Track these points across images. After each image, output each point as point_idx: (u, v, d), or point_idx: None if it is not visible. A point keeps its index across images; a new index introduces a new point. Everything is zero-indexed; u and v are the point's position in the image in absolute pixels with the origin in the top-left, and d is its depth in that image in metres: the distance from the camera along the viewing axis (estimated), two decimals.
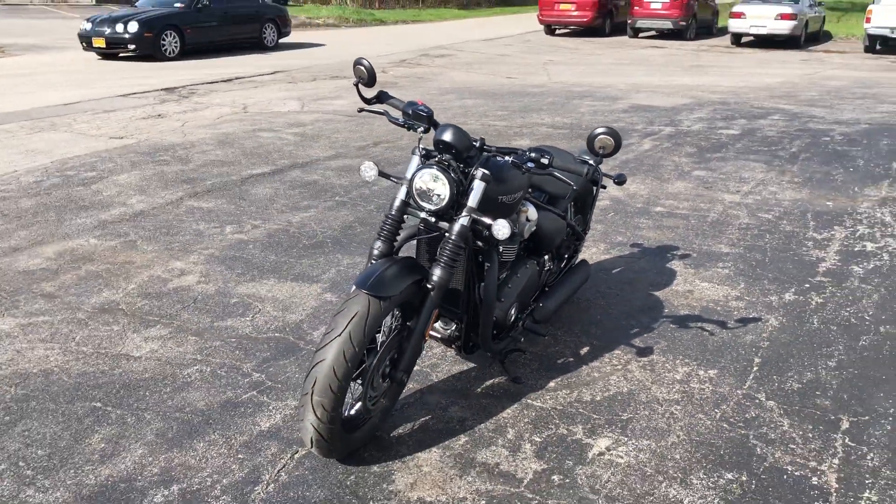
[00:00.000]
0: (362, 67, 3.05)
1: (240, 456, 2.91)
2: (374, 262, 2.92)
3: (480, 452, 2.95)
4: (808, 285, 4.48)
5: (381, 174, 2.99)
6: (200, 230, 5.44)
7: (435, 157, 2.90)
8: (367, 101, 3.15)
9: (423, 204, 2.84)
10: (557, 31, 24.06)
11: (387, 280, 2.70)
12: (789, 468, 2.84)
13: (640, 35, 22.92)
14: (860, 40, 20.50)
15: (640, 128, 9.25)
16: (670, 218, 5.78)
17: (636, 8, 21.94)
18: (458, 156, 2.84)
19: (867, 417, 3.17)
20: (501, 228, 2.78)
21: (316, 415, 2.62)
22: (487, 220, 2.81)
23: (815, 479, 2.79)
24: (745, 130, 9.17)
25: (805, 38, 20.71)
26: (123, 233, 5.38)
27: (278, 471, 2.82)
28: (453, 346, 3.28)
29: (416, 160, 2.96)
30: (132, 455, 2.89)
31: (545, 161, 2.87)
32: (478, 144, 2.90)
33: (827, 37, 23.04)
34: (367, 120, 9.48)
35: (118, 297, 4.31)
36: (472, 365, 3.58)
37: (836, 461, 2.88)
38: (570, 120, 9.69)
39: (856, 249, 5.08)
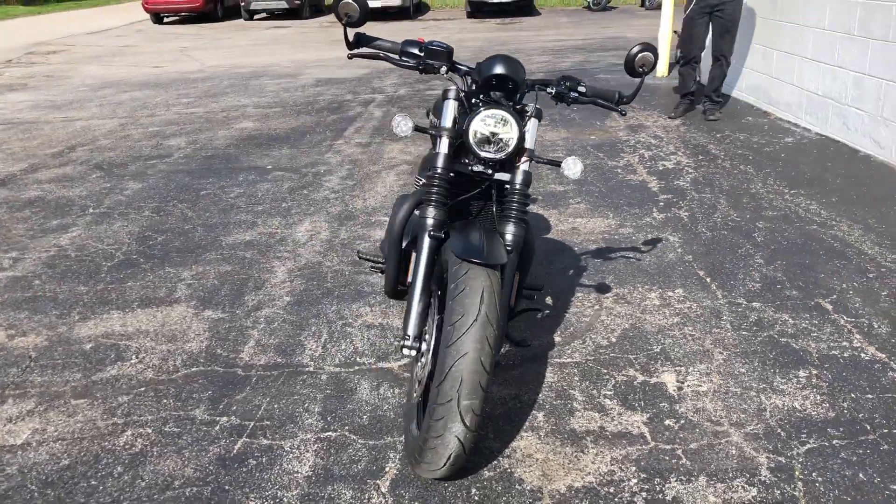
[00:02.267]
0: (352, 1, 2.46)
1: None
2: (432, 232, 2.40)
3: (573, 422, 2.65)
4: (662, 203, 4.79)
5: (418, 128, 2.46)
6: None
7: (479, 96, 2.46)
8: (352, 46, 2.57)
9: (484, 153, 2.40)
10: (167, 20, 22.51)
11: (494, 247, 2.25)
12: (836, 351, 3.01)
13: (255, 17, 22.48)
14: (462, 8, 22.47)
15: (349, 98, 9.07)
16: None
17: None
18: (512, 92, 2.45)
19: (823, 290, 3.48)
20: (574, 166, 2.48)
21: (465, 423, 2.10)
22: (554, 160, 2.48)
23: (864, 355, 2.99)
24: None
25: (413, 9, 22.09)
26: None
27: None
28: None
29: (452, 104, 2.47)
30: None
31: (583, 89, 2.62)
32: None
33: (426, 7, 24.86)
34: (40, 124, 7.94)
35: None
36: None
37: (855, 332, 3.12)
38: (270, 100, 9.16)
39: (661, 169, 5.57)
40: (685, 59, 6.73)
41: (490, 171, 2.45)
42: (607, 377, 2.91)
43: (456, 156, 2.50)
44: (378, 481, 2.39)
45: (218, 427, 2.69)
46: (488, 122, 2.36)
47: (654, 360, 3.01)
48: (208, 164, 6.21)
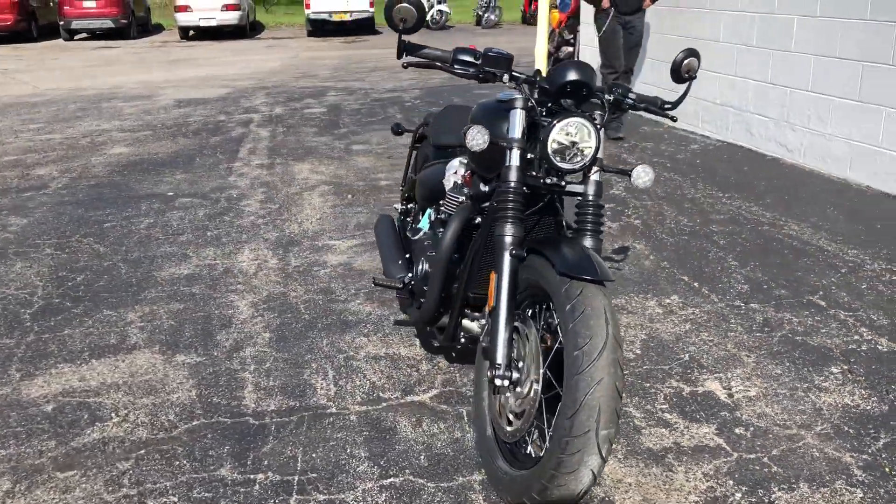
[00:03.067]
0: (408, 5, 2.26)
1: None
2: (514, 250, 2.24)
3: (644, 441, 2.56)
4: (609, 212, 4.84)
5: (494, 138, 2.28)
6: None
7: (547, 105, 2.32)
8: (401, 55, 2.38)
9: (562, 165, 2.27)
10: None
11: (598, 262, 2.12)
12: (853, 346, 3.13)
13: (77, 37, 20.98)
14: (299, 27, 22.10)
15: (223, 119, 8.61)
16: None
17: (67, 8, 19.96)
18: (584, 99, 2.33)
19: (808, 287, 3.63)
20: (645, 175, 2.39)
21: (602, 455, 1.95)
22: (624, 170, 2.39)
23: (881, 347, 3.12)
24: (329, 107, 9.26)
25: (248, 27, 21.49)
26: None
27: None
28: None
29: (520, 114, 2.31)
30: None
31: (633, 96, 2.55)
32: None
33: (262, 26, 24.25)
34: None
35: None
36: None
37: (860, 325, 3.26)
38: (133, 123, 8.55)
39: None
40: (612, 73, 6.78)
41: (563, 184, 2.32)
42: (653, 391, 2.84)
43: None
44: None
45: (258, 486, 2.37)
46: (570, 132, 2.23)
47: (688, 369, 2.98)
48: (97, 194, 5.63)
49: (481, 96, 9.63)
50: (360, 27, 20.76)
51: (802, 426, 2.61)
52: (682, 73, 2.45)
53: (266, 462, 2.49)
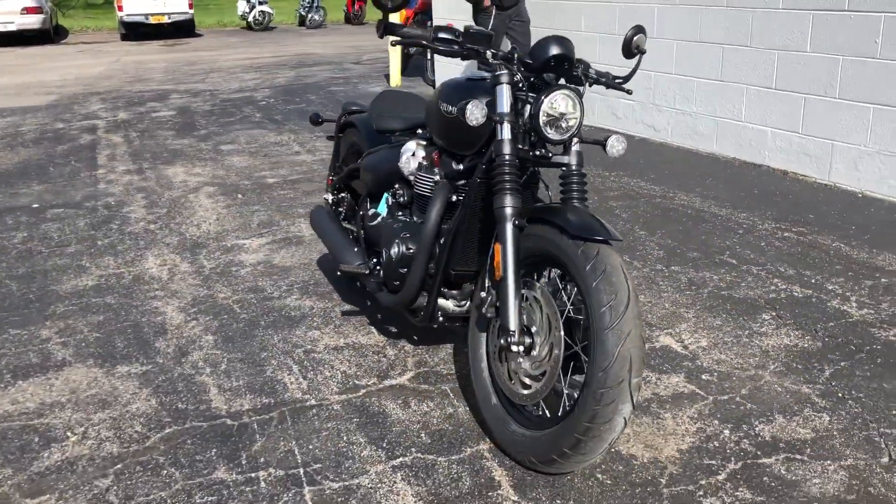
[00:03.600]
0: None
1: None
2: (515, 221, 2.31)
3: None
4: None
5: (489, 116, 2.34)
6: None
7: (529, 77, 2.42)
8: (384, 34, 2.41)
9: (551, 135, 2.37)
10: None
11: (604, 222, 2.25)
12: (773, 294, 3.46)
13: None
14: (108, 31, 20.90)
15: (63, 127, 8.07)
16: (305, 183, 5.54)
17: None
18: (566, 73, 2.44)
19: (715, 248, 3.97)
20: (618, 144, 2.53)
21: (633, 402, 2.09)
22: (598, 140, 2.50)
23: (797, 293, 3.47)
24: (177, 109, 8.90)
25: (52, 31, 20.08)
26: None
27: None
28: (457, 324, 2.81)
29: (506, 89, 2.39)
30: None
31: (593, 71, 2.68)
32: None
33: (65, 31, 22.68)
34: None
35: None
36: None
37: (773, 277, 3.61)
38: None
39: None
40: None
41: (550, 155, 2.42)
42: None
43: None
44: (499, 492, 2.24)
45: (263, 483, 2.31)
46: (559, 104, 2.33)
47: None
48: None
49: (339, 91, 9.61)
50: (179, 29, 19.91)
51: (758, 367, 2.87)
52: (632, 48, 2.58)
53: (262, 459, 2.42)
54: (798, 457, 2.36)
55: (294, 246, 4.28)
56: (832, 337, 3.07)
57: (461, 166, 2.63)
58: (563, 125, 2.33)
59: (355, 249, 3.08)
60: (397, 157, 2.97)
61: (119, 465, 2.41)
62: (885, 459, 2.33)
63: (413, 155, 2.90)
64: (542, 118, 2.30)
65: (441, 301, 2.74)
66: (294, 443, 2.50)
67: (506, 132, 2.34)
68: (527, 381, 2.30)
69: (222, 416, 2.67)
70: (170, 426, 2.61)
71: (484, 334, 2.55)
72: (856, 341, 3.03)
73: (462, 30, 2.44)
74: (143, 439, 2.55)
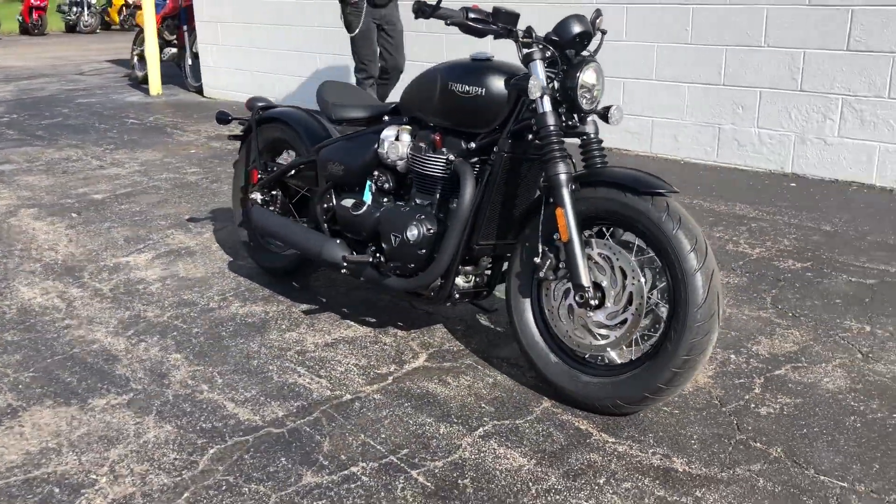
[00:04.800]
0: None
1: None
2: (568, 186, 2.50)
3: None
4: None
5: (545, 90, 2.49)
6: None
7: (551, 52, 2.60)
8: (426, 13, 2.51)
9: (585, 106, 2.59)
10: None
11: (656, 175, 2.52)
12: None
13: None
14: None
15: None
16: (141, 195, 5.14)
17: None
18: (584, 47, 2.65)
19: None
20: (618, 113, 2.76)
21: (719, 328, 2.39)
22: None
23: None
24: None
25: None
26: None
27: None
28: (472, 301, 2.96)
29: (541, 65, 2.55)
30: None
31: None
32: None
33: None
34: None
35: None
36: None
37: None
38: None
39: None
40: (368, 78, 5.82)
41: (577, 125, 2.62)
42: None
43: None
44: (595, 438, 2.42)
45: (365, 477, 2.27)
46: (590, 77, 2.54)
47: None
48: None
49: (94, 103, 8.85)
50: None
51: None
52: (596, 27, 2.83)
53: (343, 457, 2.35)
54: (800, 365, 2.81)
55: (188, 257, 4.01)
56: (751, 272, 3.62)
57: (472, 144, 2.73)
58: (590, 96, 2.55)
59: (338, 241, 3.02)
60: (373, 145, 2.98)
61: (187, 494, 2.21)
62: (859, 356, 2.86)
63: (396, 139, 2.93)
64: (580, 90, 2.50)
65: (457, 280, 2.82)
66: (363, 435, 2.45)
67: (546, 105, 2.50)
68: (603, 331, 2.49)
69: (262, 426, 2.52)
70: (210, 446, 2.42)
71: (528, 300, 2.68)
72: (770, 273, 3.61)
73: (491, 10, 2.55)
74: (191, 465, 2.34)
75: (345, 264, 2.91)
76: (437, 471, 2.27)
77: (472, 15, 2.52)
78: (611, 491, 2.17)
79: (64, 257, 4.04)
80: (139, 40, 10.07)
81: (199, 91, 9.40)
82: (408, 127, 2.93)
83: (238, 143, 3.79)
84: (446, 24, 2.54)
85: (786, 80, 4.97)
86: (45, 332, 3.20)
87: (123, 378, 2.82)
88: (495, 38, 2.58)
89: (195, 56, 9.43)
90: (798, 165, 5.03)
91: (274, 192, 3.51)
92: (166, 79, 9.93)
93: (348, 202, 3.04)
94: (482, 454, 2.34)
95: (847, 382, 2.68)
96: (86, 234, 4.39)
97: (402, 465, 2.30)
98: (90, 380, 2.82)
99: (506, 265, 2.81)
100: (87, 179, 5.59)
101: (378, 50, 5.74)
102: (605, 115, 2.65)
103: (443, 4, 2.54)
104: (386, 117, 3.08)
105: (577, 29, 2.52)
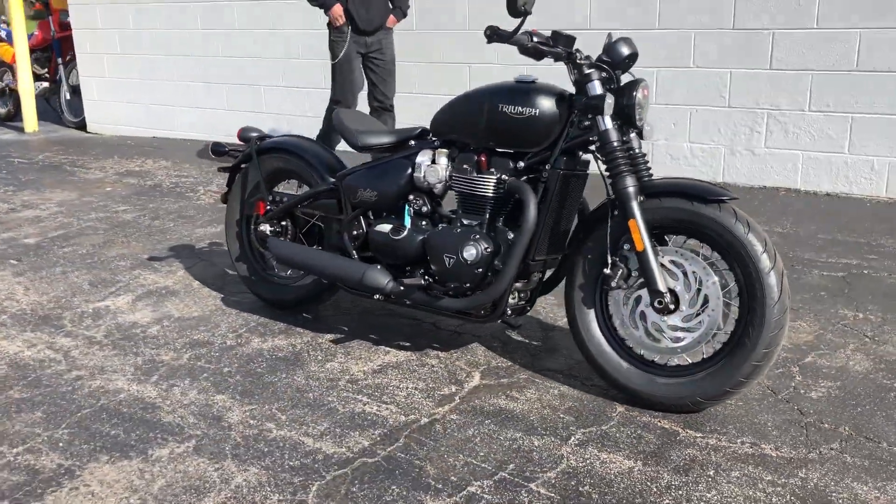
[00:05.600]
0: None
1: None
2: (637, 198, 2.66)
3: None
4: None
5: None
6: None
7: (606, 72, 2.76)
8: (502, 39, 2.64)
9: (638, 123, 2.76)
10: None
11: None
12: None
13: None
14: None
15: None
16: (79, 237, 4.85)
17: None
18: (629, 67, 2.82)
19: None
20: (650, 127, 2.96)
21: (781, 346, 2.60)
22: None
23: None
24: None
25: None
26: None
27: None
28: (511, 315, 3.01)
29: (598, 84, 2.70)
30: None
31: None
32: None
33: None
34: None
35: None
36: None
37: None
38: None
39: None
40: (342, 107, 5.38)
41: (628, 141, 2.79)
42: None
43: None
44: (685, 434, 2.57)
45: (487, 494, 2.31)
46: (644, 93, 2.73)
47: None
48: None
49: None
50: None
51: None
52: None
53: (454, 478, 2.37)
54: (823, 352, 3.09)
55: (173, 297, 3.85)
56: None
57: (521, 163, 2.84)
58: (640, 113, 2.73)
59: (378, 267, 3.03)
60: (406, 170, 3.02)
61: None
62: (867, 339, 3.18)
63: (433, 163, 2.99)
64: (637, 109, 2.67)
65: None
66: (462, 455, 2.48)
67: (608, 122, 2.65)
68: (678, 334, 2.64)
69: (353, 457, 2.49)
70: (310, 483, 2.37)
71: (592, 310, 2.80)
72: None
73: (550, 34, 2.68)
74: (326, 496, 2.28)
75: (389, 289, 2.91)
76: (553, 481, 2.32)
77: (535, 39, 2.63)
78: (725, 481, 2.31)
79: (30, 306, 3.76)
80: (4, 75, 9.44)
81: (80, 127, 8.91)
82: (444, 150, 2.99)
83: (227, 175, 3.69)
84: (520, 51, 2.64)
85: (715, 98, 5.39)
86: (56, 385, 2.99)
87: (175, 425, 2.69)
88: (555, 60, 2.70)
89: (73, 90, 8.92)
90: (729, 175, 5.46)
91: (284, 223, 3.44)
92: (37, 115, 9.34)
93: (384, 227, 3.05)
94: (588, 461, 2.42)
95: (871, 363, 2.97)
96: (39, 280, 4.11)
97: (517, 479, 2.34)
98: (138, 430, 2.67)
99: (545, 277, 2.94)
100: (5, 223, 5.20)
101: (361, 81, 5.50)
102: (640, 131, 2.83)
103: (505, 27, 2.64)
104: (412, 142, 3.12)
105: (626, 51, 2.69)
